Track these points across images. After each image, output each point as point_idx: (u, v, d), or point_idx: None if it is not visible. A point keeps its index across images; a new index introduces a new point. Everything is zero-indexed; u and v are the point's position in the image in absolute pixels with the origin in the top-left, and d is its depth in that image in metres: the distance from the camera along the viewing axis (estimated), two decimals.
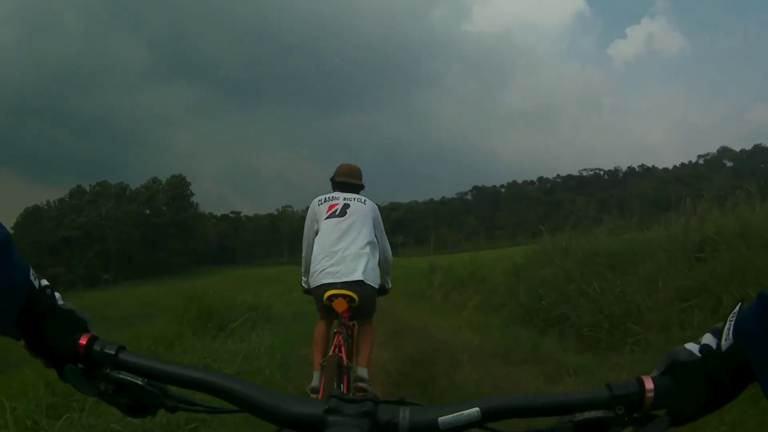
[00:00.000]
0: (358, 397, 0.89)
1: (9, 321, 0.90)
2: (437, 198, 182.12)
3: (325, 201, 4.74)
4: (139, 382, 0.96)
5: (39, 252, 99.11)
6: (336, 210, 4.63)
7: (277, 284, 31.61)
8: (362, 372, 4.38)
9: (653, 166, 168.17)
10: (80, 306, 1.04)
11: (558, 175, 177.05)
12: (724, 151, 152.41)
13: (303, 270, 4.80)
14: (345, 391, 4.02)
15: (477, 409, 0.87)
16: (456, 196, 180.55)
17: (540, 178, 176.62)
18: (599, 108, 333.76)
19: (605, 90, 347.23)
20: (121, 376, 0.95)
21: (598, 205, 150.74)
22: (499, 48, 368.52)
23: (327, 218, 4.61)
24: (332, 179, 5.04)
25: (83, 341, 0.97)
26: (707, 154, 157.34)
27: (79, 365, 0.96)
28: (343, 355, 4.04)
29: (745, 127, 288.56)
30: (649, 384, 0.88)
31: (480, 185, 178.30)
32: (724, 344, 0.86)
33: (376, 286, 4.51)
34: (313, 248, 4.59)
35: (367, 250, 4.49)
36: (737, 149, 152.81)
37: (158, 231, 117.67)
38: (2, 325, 0.89)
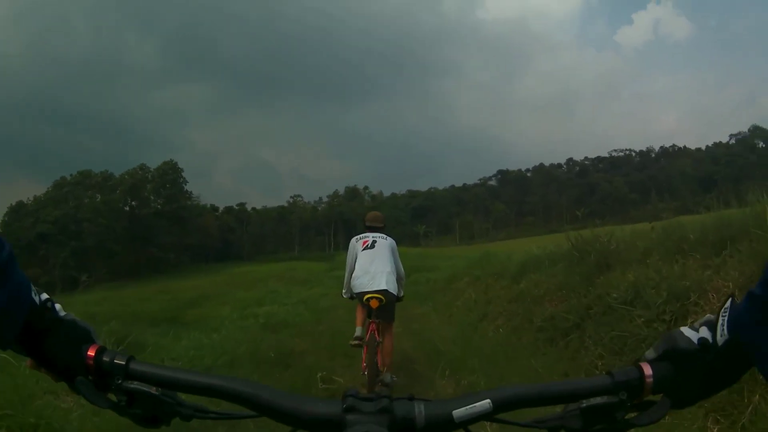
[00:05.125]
0: (373, 394, 0.94)
1: (9, 337, 0.92)
2: (459, 184, 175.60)
3: (360, 239, 7.67)
4: (153, 392, 0.97)
5: (19, 251, 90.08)
6: (368, 244, 7.50)
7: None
8: (386, 377, 6.77)
9: (685, 147, 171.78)
10: None
11: (586, 157, 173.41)
12: (756, 131, 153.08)
13: (344, 285, 7.73)
14: (379, 360, 6.87)
15: (488, 400, 0.93)
16: (479, 181, 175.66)
17: (569, 161, 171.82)
18: (615, 94, 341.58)
19: (617, 76, 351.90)
20: (134, 386, 0.96)
21: (638, 186, 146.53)
22: (515, 35, 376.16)
23: (363, 250, 7.46)
24: (364, 223, 7.99)
25: (91, 352, 0.98)
26: (739, 133, 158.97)
27: (90, 377, 0.98)
28: (377, 335, 6.92)
29: (759, 111, 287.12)
30: (647, 370, 0.97)
31: (504, 169, 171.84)
32: (720, 339, 0.95)
33: (396, 294, 7.38)
34: (354, 270, 7.39)
35: (389, 269, 7.30)
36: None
37: (145, 224, 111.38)
38: (2, 341, 0.92)
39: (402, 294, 7.84)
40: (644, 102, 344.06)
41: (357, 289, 7.25)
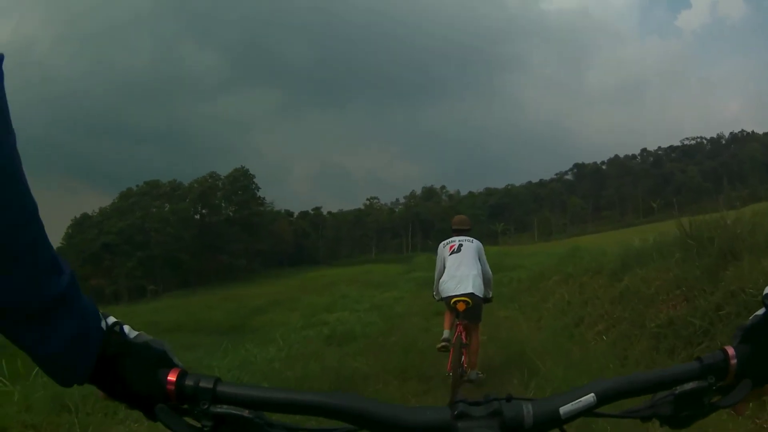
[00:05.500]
0: (481, 399, 0.93)
1: (84, 371, 0.88)
2: (535, 180, 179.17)
3: (447, 243, 8.08)
4: (246, 414, 0.92)
5: (83, 262, 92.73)
6: (455, 248, 7.89)
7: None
8: (472, 375, 7.37)
9: (753, 132, 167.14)
10: None
11: (659, 147, 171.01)
12: None
13: (434, 287, 8.13)
14: (464, 360, 7.16)
15: (593, 394, 0.94)
16: (555, 176, 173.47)
17: (643, 151, 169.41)
18: (680, 79, 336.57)
19: (681, 62, 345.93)
20: (223, 410, 0.91)
21: (710, 175, 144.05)
22: (579, 24, 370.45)
23: (450, 255, 7.86)
24: (451, 227, 8.48)
25: (172, 377, 0.93)
26: None
27: (170, 403, 0.93)
28: (464, 336, 7.24)
29: None
30: (731, 351, 1.00)
31: (580, 162, 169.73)
32: None
33: (482, 296, 7.66)
34: (443, 273, 7.76)
35: (475, 272, 7.62)
36: None
37: (216, 231, 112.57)
38: (78, 376, 0.87)
39: (491, 295, 8.25)
40: (710, 86, 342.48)
41: (444, 294, 7.65)
